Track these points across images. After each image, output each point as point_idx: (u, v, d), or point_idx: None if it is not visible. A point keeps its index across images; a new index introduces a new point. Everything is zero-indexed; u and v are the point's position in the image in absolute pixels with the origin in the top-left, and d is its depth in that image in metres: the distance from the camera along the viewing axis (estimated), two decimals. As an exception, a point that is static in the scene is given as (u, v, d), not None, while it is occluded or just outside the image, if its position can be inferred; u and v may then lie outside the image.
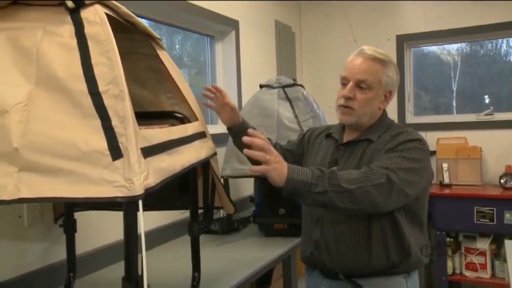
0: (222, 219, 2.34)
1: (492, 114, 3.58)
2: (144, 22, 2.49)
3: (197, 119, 1.51)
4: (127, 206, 0.96)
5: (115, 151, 0.93)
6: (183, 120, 1.49)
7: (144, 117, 1.48)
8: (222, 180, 2.34)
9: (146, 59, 1.54)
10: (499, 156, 3.43)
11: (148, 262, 1.90)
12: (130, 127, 0.96)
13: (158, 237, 2.17)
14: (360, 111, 1.48)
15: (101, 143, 0.94)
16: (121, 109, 0.96)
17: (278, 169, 1.22)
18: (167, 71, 1.46)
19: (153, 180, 0.98)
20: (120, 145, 0.94)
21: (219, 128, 2.99)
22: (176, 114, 1.51)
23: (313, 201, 1.27)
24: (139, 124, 1.14)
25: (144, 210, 0.95)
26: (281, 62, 3.62)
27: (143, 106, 1.59)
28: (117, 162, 0.93)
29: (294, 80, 2.61)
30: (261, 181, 2.35)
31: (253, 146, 1.22)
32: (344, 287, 1.48)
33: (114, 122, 0.95)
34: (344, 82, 1.49)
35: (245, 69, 3.11)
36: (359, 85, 1.46)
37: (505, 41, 3.68)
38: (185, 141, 1.33)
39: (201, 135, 1.48)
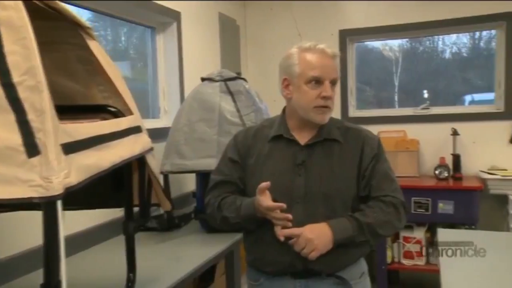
0: (161, 216, 2.27)
1: (429, 108, 3.73)
2: (86, 13, 2.37)
3: (131, 113, 1.45)
4: (45, 207, 0.89)
5: (31, 148, 0.85)
6: (117, 114, 1.41)
7: (75, 110, 1.40)
8: (162, 176, 2.28)
9: (75, 50, 1.44)
10: (435, 149, 3.59)
11: (80, 264, 1.81)
12: (48, 121, 0.88)
13: (91, 237, 2.06)
14: (332, 108, 1.49)
15: (15, 139, 0.85)
16: (38, 101, 0.88)
17: (323, 242, 1.36)
18: (99, 63, 1.38)
19: (75, 178, 0.91)
20: (37, 141, 0.86)
21: (160, 122, 2.91)
22: (109, 108, 1.43)
23: (352, 244, 1.42)
24: (68, 118, 1.05)
25: (72, 209, 0.89)
26: (225, 55, 3.57)
27: (75, 99, 1.49)
28: (34, 159, 0.85)
29: (238, 73, 2.58)
30: (202, 176, 2.30)
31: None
32: (320, 281, 1.44)
33: (30, 116, 0.87)
34: (316, 81, 1.43)
35: (187, 61, 3.04)
36: (332, 83, 1.46)
37: (441, 38, 3.84)
38: (118, 136, 1.26)
39: (136, 129, 1.42)
